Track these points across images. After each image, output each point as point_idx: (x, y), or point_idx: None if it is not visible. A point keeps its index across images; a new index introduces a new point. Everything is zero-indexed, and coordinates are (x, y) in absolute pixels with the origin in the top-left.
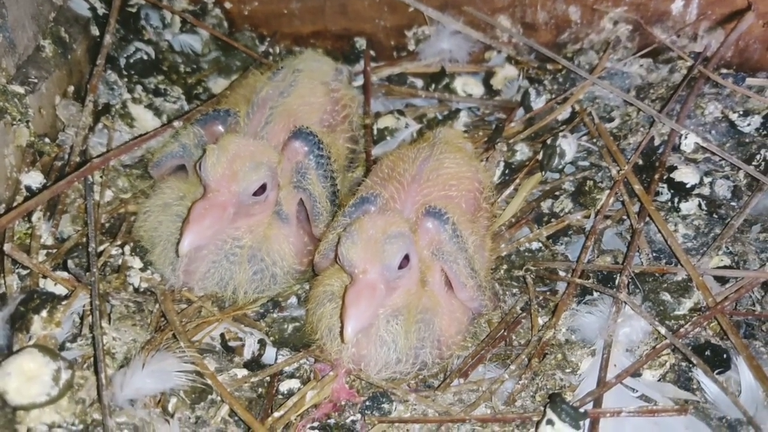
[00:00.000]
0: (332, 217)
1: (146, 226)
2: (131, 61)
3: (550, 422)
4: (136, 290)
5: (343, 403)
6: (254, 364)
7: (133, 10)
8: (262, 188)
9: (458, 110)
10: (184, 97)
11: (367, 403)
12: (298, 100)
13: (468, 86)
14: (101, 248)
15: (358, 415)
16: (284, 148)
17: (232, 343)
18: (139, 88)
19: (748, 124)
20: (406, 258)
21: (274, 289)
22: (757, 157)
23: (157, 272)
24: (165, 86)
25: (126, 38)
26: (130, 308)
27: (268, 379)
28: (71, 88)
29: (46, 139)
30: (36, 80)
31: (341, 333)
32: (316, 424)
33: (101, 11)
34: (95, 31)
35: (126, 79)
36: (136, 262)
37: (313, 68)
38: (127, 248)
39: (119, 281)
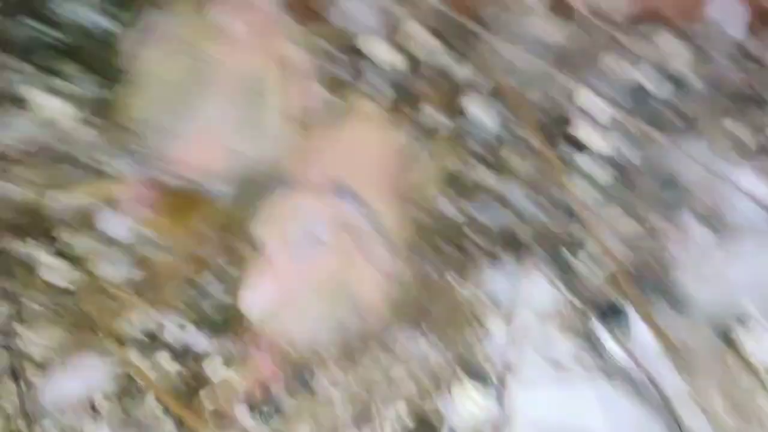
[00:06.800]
0: None
1: None
2: None
3: (463, 386)
4: (51, 287)
5: (268, 380)
6: (178, 350)
7: None
8: None
9: None
10: None
11: (292, 378)
12: None
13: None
14: (8, 245)
15: (284, 391)
16: None
17: (153, 330)
18: None
19: (658, 88)
20: (311, 234)
21: None
22: (665, 120)
23: None
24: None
25: None
26: (46, 307)
27: (192, 363)
28: None
29: None
30: None
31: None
32: (243, 404)
33: None
34: None
35: None
36: (49, 259)
37: None
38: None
39: (31, 280)
